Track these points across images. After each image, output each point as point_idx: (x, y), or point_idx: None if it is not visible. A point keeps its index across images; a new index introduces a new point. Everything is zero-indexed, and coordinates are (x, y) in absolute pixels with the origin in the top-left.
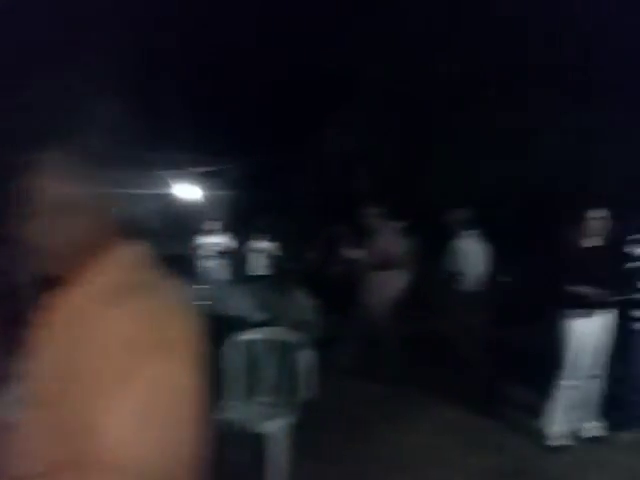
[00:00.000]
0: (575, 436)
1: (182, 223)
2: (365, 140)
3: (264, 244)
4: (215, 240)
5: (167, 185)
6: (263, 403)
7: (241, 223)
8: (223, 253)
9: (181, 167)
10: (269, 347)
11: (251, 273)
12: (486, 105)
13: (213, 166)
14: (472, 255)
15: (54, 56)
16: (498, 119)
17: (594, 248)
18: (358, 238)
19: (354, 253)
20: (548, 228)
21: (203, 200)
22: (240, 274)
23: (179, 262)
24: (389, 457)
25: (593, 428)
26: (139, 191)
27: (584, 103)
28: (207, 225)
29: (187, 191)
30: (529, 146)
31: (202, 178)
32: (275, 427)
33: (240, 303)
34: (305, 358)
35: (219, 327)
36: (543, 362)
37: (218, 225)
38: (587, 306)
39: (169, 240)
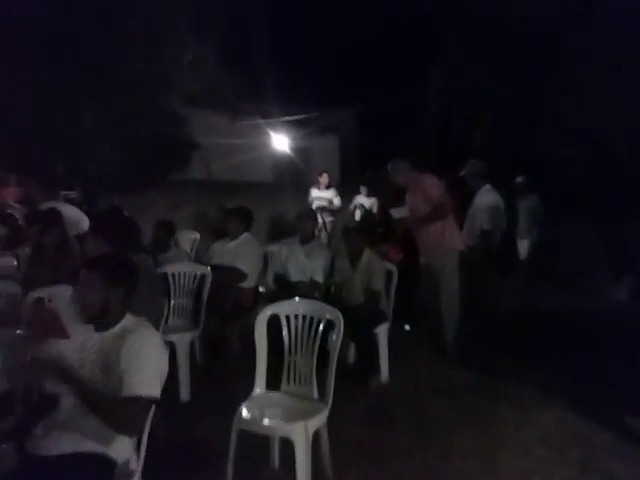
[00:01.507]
0: None
1: (294, 176)
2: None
3: (368, 199)
4: (321, 194)
5: (276, 136)
6: (295, 396)
7: (349, 176)
8: (324, 208)
9: (291, 116)
10: (304, 325)
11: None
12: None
13: (322, 115)
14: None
15: None
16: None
17: None
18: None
19: (399, 212)
20: None
21: (312, 151)
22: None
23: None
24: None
25: None
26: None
27: None
28: (315, 178)
29: (294, 142)
30: None
31: (312, 128)
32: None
33: (306, 264)
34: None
35: (281, 291)
36: None
37: (325, 178)
38: None
39: (281, 194)
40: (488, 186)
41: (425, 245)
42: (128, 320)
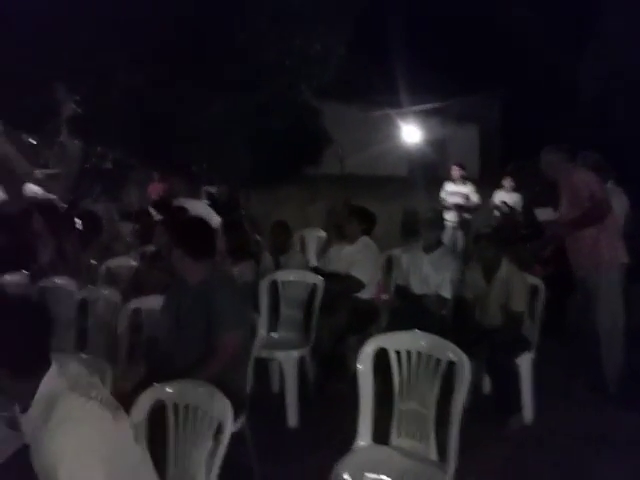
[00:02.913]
0: None
1: (428, 169)
2: None
3: (511, 195)
4: (456, 189)
5: (410, 127)
6: (408, 455)
7: (490, 169)
8: (460, 206)
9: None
10: (420, 365)
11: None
12: None
13: (460, 102)
14: None
15: None
16: None
17: None
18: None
19: (544, 213)
20: None
21: (449, 142)
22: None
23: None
24: None
25: None
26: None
27: None
28: (450, 172)
29: (429, 133)
30: None
31: (448, 117)
32: None
33: (431, 276)
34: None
35: (403, 305)
36: None
37: (456, 171)
38: None
39: (415, 188)
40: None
41: (576, 255)
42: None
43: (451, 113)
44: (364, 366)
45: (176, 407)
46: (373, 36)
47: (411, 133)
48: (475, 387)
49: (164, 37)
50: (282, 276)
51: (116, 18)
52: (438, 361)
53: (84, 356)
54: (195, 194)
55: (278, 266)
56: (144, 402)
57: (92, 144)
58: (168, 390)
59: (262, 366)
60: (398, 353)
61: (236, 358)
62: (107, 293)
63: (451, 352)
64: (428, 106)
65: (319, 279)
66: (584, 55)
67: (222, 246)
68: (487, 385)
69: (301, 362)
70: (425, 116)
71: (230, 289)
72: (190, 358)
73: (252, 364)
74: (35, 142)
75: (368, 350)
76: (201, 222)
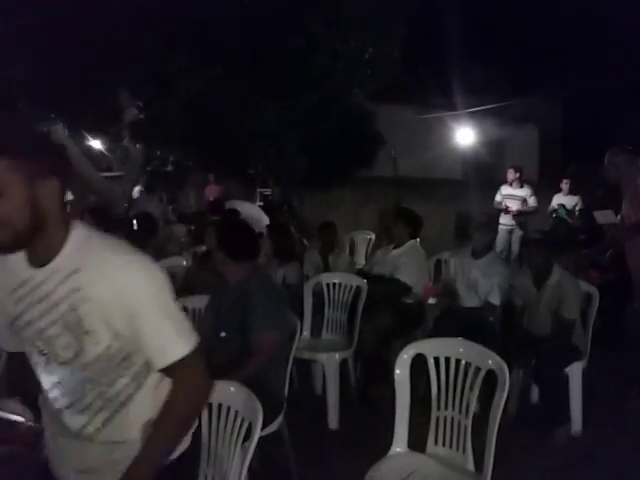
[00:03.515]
0: None
1: (485, 172)
2: None
3: (570, 198)
4: (513, 192)
5: (465, 129)
6: (444, 463)
7: (550, 171)
8: (517, 210)
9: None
10: (459, 373)
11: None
12: None
13: (519, 103)
14: None
15: None
16: None
17: None
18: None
19: (604, 216)
20: None
21: (507, 144)
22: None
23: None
24: None
25: None
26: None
27: None
28: (507, 175)
29: (486, 134)
30: None
31: (506, 118)
32: None
33: (479, 282)
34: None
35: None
36: None
37: (511, 174)
38: None
39: (471, 192)
40: None
41: (636, 261)
42: (78, 238)
43: (510, 114)
44: (401, 372)
45: (209, 406)
46: (428, 38)
47: (466, 135)
48: (523, 396)
49: (219, 41)
50: (327, 278)
51: (173, 24)
52: (478, 369)
53: None
54: (250, 196)
55: (326, 267)
56: None
57: (153, 148)
58: None
59: (306, 368)
60: (437, 360)
61: (274, 359)
62: None
63: (491, 360)
64: (485, 107)
65: (363, 282)
66: None
67: (268, 248)
68: (535, 394)
69: (344, 364)
70: (481, 118)
71: (267, 290)
72: (227, 357)
73: (292, 366)
74: (99, 146)
75: (406, 356)
76: (242, 225)
